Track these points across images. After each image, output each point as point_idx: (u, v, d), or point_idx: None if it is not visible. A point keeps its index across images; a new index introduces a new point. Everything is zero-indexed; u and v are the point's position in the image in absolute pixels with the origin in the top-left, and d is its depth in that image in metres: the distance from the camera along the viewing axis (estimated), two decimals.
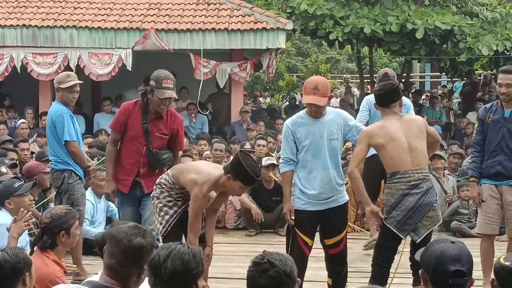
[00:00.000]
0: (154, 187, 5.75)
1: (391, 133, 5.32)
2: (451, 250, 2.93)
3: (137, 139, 6.26)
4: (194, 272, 2.92)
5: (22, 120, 12.48)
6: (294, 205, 5.59)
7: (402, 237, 5.36)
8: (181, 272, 2.89)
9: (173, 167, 5.86)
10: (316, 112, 5.51)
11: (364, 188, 5.51)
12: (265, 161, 9.11)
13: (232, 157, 10.19)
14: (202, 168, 5.59)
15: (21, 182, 5.92)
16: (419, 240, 5.26)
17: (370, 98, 6.40)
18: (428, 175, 5.43)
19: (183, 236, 5.66)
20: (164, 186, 5.64)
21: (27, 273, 3.32)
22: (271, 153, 10.33)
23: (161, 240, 5.59)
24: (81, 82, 6.92)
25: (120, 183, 6.35)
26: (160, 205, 5.62)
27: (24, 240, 5.10)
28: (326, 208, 5.62)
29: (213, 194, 5.66)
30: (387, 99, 5.45)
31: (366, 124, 6.35)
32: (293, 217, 5.57)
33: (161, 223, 5.60)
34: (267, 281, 2.94)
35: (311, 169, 5.56)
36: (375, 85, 6.27)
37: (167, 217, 5.58)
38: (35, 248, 4.44)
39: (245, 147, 9.84)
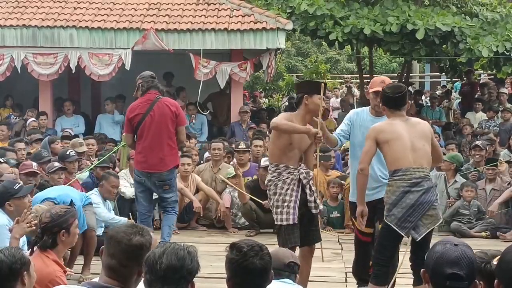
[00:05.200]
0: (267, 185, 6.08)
1: (397, 131, 5.39)
2: (451, 253, 2.91)
3: None
4: (190, 267, 2.94)
5: (33, 119, 12.60)
6: (351, 196, 6.10)
7: (403, 234, 5.36)
8: (176, 267, 2.91)
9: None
10: (380, 106, 5.79)
11: (365, 187, 5.61)
12: (263, 162, 9.10)
13: (232, 157, 10.30)
14: None
15: (20, 184, 5.88)
16: (419, 238, 5.28)
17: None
18: (429, 175, 5.45)
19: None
20: (270, 182, 5.90)
21: (25, 273, 3.32)
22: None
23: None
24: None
25: None
26: (277, 197, 5.82)
27: (21, 240, 5.10)
28: (373, 199, 5.84)
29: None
30: (400, 102, 5.53)
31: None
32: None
33: (287, 213, 5.75)
34: (262, 261, 3.17)
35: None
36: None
37: (292, 204, 5.76)
38: (35, 248, 4.45)
39: (239, 147, 9.86)
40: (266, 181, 5.98)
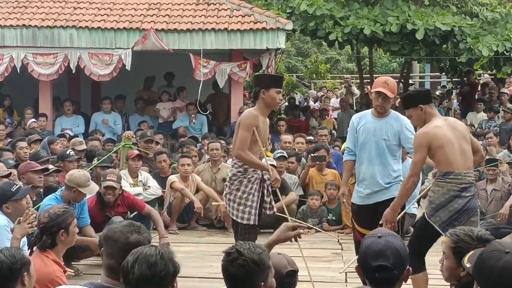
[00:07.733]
0: (225, 185, 6.08)
1: (447, 135, 5.36)
2: (374, 245, 2.97)
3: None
4: (163, 274, 2.84)
5: (33, 120, 12.56)
6: (352, 198, 6.07)
7: (444, 235, 5.37)
8: (147, 276, 2.82)
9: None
10: (382, 105, 5.87)
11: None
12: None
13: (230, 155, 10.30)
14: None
15: (18, 186, 5.78)
16: None
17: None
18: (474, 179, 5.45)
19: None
20: (235, 176, 5.87)
21: (25, 273, 3.32)
22: (268, 154, 10.33)
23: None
24: None
25: None
26: (241, 195, 5.84)
27: (21, 241, 5.08)
28: (373, 202, 5.98)
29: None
30: (428, 97, 5.57)
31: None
32: (345, 200, 6.17)
33: (249, 213, 5.82)
34: (236, 269, 3.06)
35: (361, 162, 6.04)
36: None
37: (254, 204, 5.81)
38: (34, 248, 4.44)
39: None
40: (230, 175, 5.96)
